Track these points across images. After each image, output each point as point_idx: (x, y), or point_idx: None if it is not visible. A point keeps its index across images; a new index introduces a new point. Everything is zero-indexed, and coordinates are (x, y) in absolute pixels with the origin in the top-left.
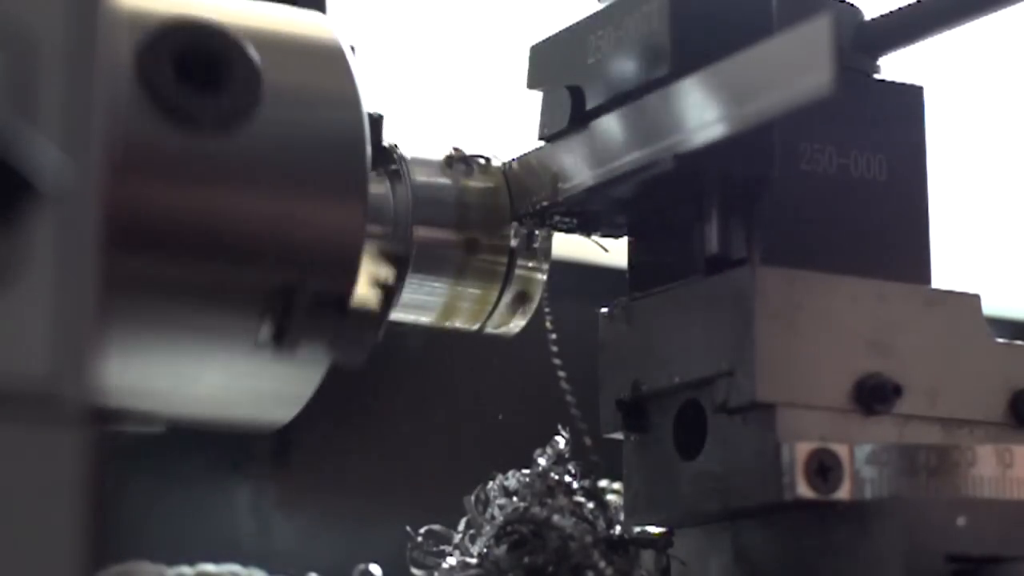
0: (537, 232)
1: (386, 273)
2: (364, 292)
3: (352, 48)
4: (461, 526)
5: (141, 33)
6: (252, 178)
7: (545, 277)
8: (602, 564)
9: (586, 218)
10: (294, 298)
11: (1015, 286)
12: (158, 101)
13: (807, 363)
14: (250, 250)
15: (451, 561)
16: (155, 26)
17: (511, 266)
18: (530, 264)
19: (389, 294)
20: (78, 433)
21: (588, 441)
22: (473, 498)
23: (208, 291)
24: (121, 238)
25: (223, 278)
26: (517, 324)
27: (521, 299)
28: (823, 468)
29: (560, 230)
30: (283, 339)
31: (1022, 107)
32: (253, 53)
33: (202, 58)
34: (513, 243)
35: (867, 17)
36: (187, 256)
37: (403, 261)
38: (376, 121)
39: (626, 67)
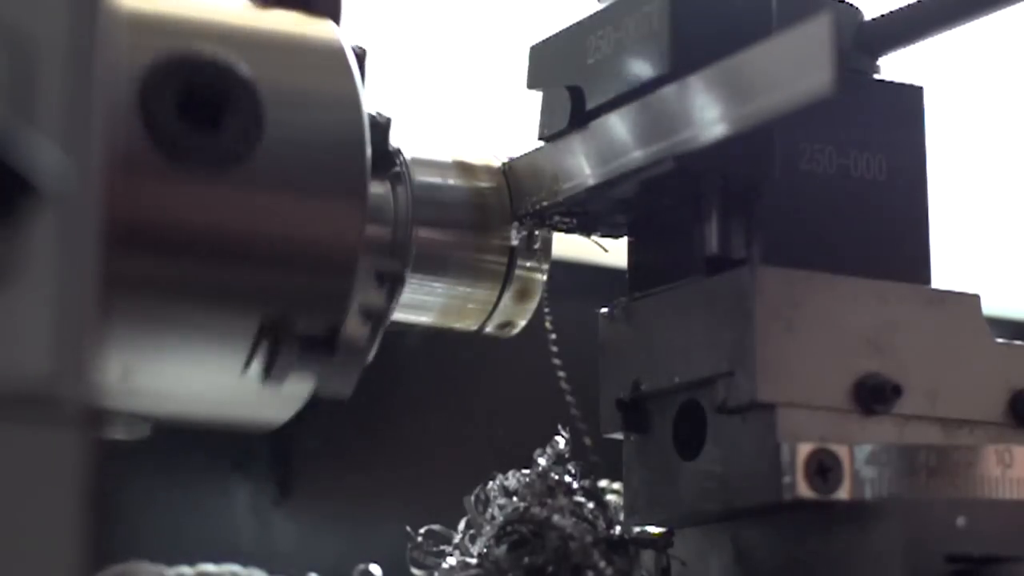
0: (537, 232)
1: (377, 300)
2: (353, 324)
3: (362, 54)
4: (461, 526)
5: (146, 54)
6: (249, 186)
7: (545, 277)
8: (602, 564)
9: (586, 218)
10: (285, 331)
11: (1015, 286)
12: (158, 137)
13: (807, 363)
14: (246, 257)
15: (451, 561)
16: (159, 59)
17: (511, 266)
18: (530, 264)
19: (378, 323)
20: (78, 433)
21: (588, 441)
22: (473, 498)
23: (205, 298)
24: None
25: (220, 286)
26: (517, 325)
27: (521, 299)
28: (823, 468)
29: (560, 230)
30: (270, 372)
31: (1022, 107)
32: (256, 85)
33: (205, 96)
34: (513, 243)
35: (867, 17)
36: (183, 265)
37: (398, 279)
38: (382, 124)
39: (626, 67)
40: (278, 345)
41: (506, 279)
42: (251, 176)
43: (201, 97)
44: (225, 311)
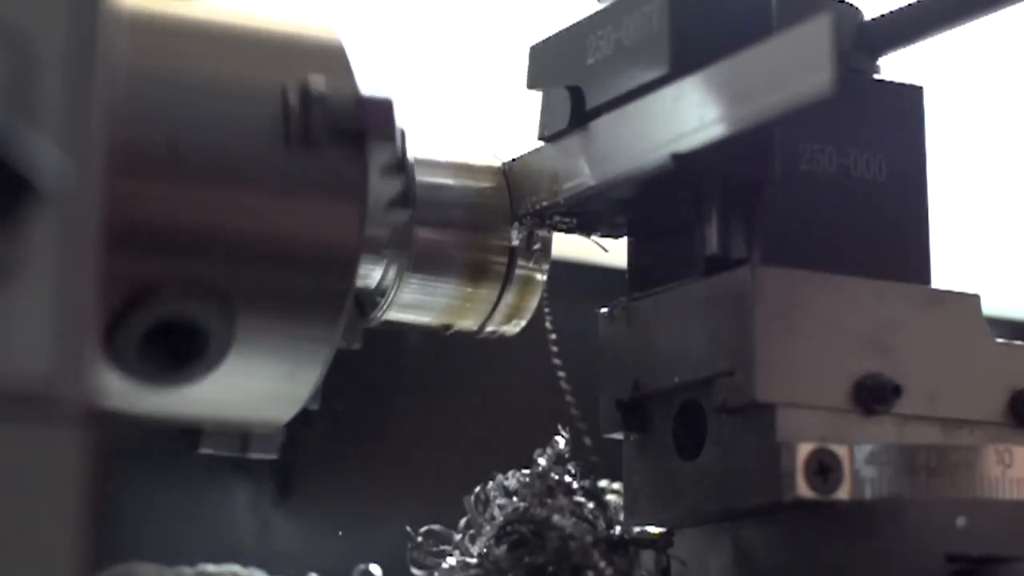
0: (537, 232)
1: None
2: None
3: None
4: (461, 526)
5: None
6: (249, 177)
7: (545, 277)
8: (602, 564)
9: (586, 218)
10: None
11: (1015, 286)
12: (117, 365)
13: (807, 363)
14: (245, 252)
15: (451, 561)
16: (124, 296)
17: (511, 266)
18: (530, 264)
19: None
20: (78, 433)
21: (588, 441)
22: (473, 498)
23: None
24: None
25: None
26: (517, 324)
27: (521, 299)
28: (823, 468)
29: (560, 230)
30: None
31: (1022, 107)
32: (230, 312)
33: (174, 329)
34: (513, 243)
35: (867, 17)
36: (185, 253)
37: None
38: None
39: (626, 67)
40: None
41: (506, 279)
42: (251, 175)
43: (171, 335)
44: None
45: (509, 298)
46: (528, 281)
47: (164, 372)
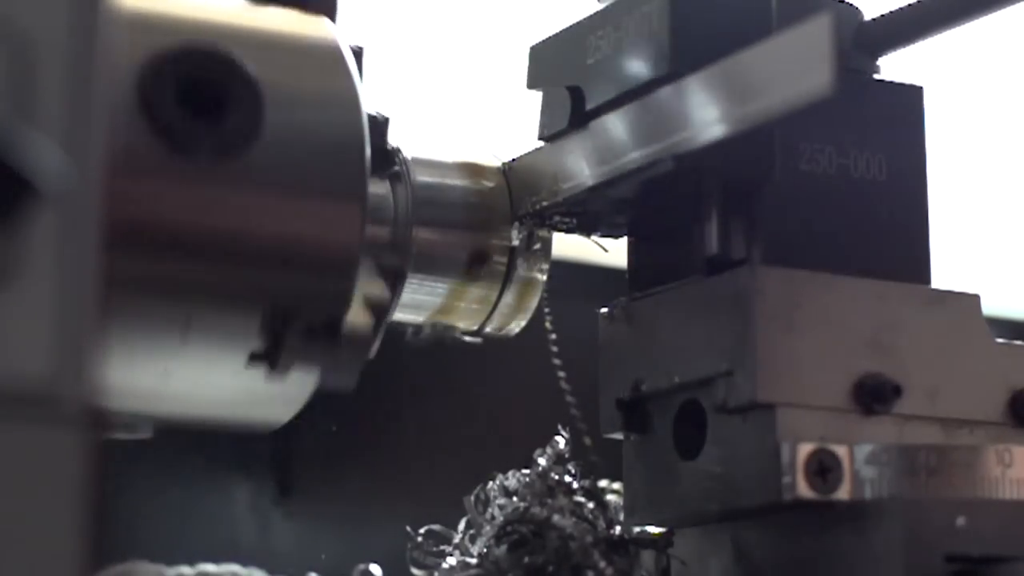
0: (537, 232)
1: (380, 292)
2: (357, 315)
3: (359, 52)
4: (461, 526)
5: (144, 49)
6: (249, 185)
7: (545, 277)
8: (602, 564)
9: (586, 218)
10: (288, 321)
11: (1015, 286)
12: (158, 126)
13: (807, 363)
14: (246, 256)
15: (451, 561)
16: (158, 50)
17: (511, 266)
18: (532, 265)
19: (382, 316)
20: (78, 433)
21: (588, 441)
22: (473, 498)
23: (205, 298)
24: (119, 244)
25: (220, 285)
26: (517, 325)
27: (521, 299)
28: (823, 468)
29: (560, 230)
30: (276, 363)
31: (1022, 107)
32: (257, 78)
33: (205, 86)
34: (513, 243)
35: (867, 17)
36: (184, 263)
37: (400, 276)
38: (380, 123)
39: (626, 67)
40: (282, 336)
41: (506, 279)
42: (251, 175)
43: (201, 88)
44: (225, 311)
45: (509, 298)
46: (528, 281)
47: (205, 137)
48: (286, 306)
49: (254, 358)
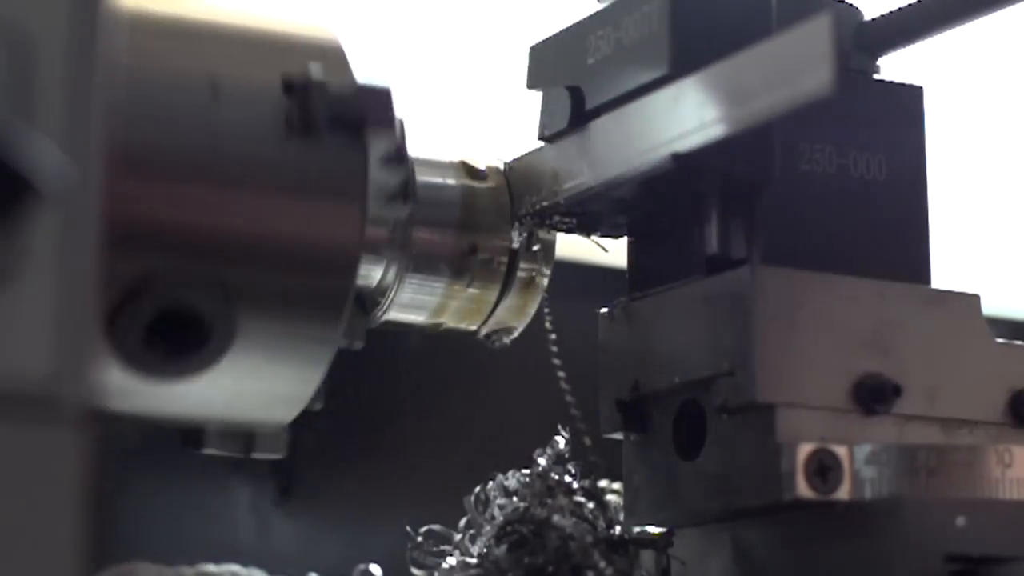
0: (539, 234)
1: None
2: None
3: (388, 91)
4: (461, 526)
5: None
6: (251, 178)
7: (547, 281)
8: (602, 564)
9: (586, 218)
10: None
11: (1015, 286)
12: (123, 356)
13: (807, 363)
14: (247, 253)
15: (451, 561)
16: (129, 283)
17: (512, 267)
18: (532, 266)
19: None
20: (78, 433)
21: (588, 441)
22: (473, 498)
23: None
24: (124, 240)
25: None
26: (516, 328)
27: (522, 302)
28: (823, 468)
29: (560, 230)
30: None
31: (1022, 107)
32: (231, 305)
33: (176, 319)
34: (514, 244)
35: (867, 17)
36: (186, 253)
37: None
38: None
39: (626, 67)
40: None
41: (508, 280)
42: (252, 176)
43: (173, 323)
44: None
45: (510, 300)
46: (529, 283)
47: (167, 363)
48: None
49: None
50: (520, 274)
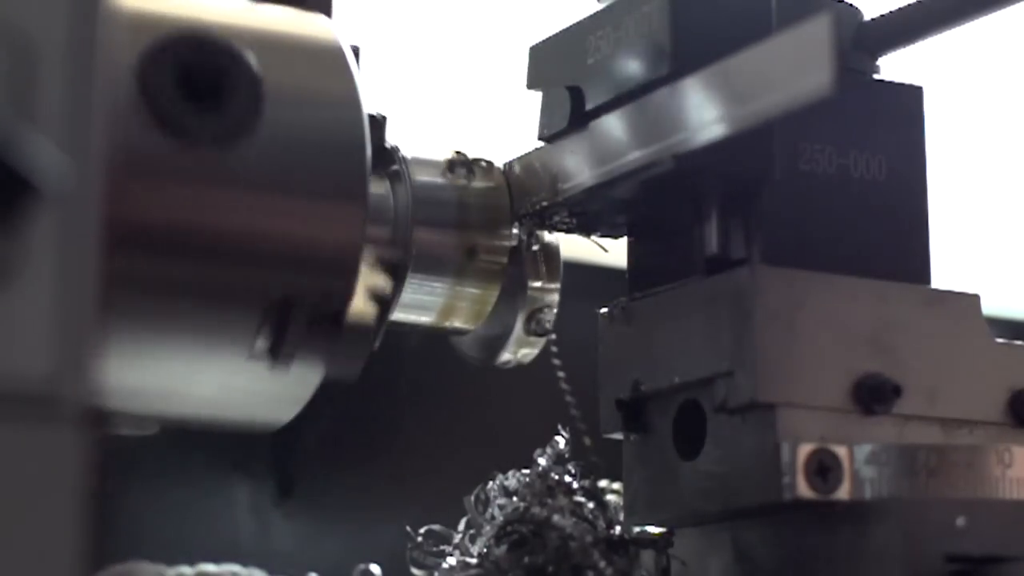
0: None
1: (383, 283)
2: (360, 306)
3: (356, 50)
4: (461, 526)
5: (144, 42)
6: (251, 182)
7: (555, 310)
8: (602, 564)
9: (586, 218)
10: (291, 311)
11: (1015, 286)
12: (158, 114)
13: (807, 363)
14: (248, 254)
15: (451, 561)
16: (159, 37)
17: (513, 266)
18: (542, 286)
19: (385, 307)
20: (78, 433)
21: (588, 441)
22: (473, 498)
23: (206, 295)
24: (119, 241)
25: (221, 282)
26: (530, 352)
27: (535, 324)
28: (823, 468)
29: (560, 230)
30: (279, 352)
31: (1022, 107)
32: (256, 67)
33: (204, 73)
34: (514, 244)
35: (867, 17)
36: (185, 260)
37: (401, 269)
38: (379, 122)
39: (626, 67)
40: (286, 321)
41: (521, 283)
42: (252, 172)
43: (200, 75)
44: (227, 310)
45: (521, 324)
46: (540, 305)
47: (202, 123)
48: (288, 299)
49: (255, 349)
50: (531, 295)
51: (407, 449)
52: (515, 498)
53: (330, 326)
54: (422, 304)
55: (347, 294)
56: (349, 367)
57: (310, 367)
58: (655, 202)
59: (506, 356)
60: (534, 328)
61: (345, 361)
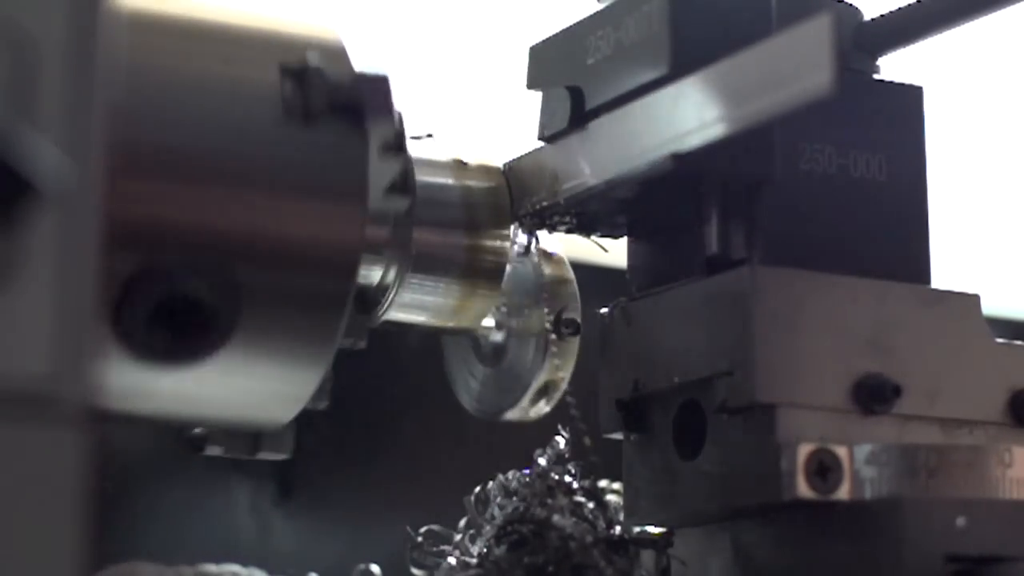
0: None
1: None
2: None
3: (385, 78)
4: (461, 526)
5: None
6: (251, 178)
7: (568, 375)
8: (602, 564)
9: (586, 218)
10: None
11: (1015, 286)
12: (128, 343)
13: (807, 363)
14: (246, 248)
15: (451, 561)
16: (133, 271)
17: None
18: (555, 351)
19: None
20: (78, 433)
21: (588, 441)
22: (473, 498)
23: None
24: (122, 240)
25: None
26: (541, 410)
27: (546, 390)
28: (823, 468)
29: (560, 230)
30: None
31: (1022, 107)
32: (235, 292)
33: (180, 305)
34: (514, 243)
35: (867, 17)
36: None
37: (401, 269)
38: None
39: (626, 67)
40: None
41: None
42: (252, 174)
43: (175, 308)
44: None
45: (534, 390)
46: (554, 373)
47: (171, 351)
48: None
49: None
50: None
51: (407, 449)
52: (515, 498)
53: (330, 325)
54: (422, 304)
55: (347, 294)
56: (355, 333)
57: (312, 363)
58: (655, 202)
59: (512, 416)
60: (565, 331)
61: (350, 330)
